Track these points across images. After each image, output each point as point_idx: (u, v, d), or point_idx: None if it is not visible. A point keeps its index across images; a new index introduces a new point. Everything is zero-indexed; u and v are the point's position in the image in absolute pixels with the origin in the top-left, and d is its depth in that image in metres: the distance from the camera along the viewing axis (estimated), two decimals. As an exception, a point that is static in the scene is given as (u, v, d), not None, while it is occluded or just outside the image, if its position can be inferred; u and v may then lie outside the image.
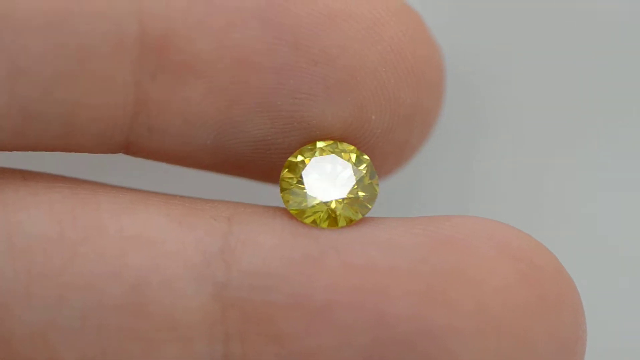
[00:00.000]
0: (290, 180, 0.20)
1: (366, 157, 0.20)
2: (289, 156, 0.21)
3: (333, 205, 0.20)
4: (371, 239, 0.20)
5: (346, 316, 0.19)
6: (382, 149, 0.21)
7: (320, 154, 0.20)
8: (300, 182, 0.20)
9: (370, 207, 0.20)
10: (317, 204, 0.20)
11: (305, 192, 0.20)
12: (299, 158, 0.20)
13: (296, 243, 0.20)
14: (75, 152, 0.20)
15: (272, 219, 0.20)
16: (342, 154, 0.20)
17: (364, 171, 0.20)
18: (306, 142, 0.21)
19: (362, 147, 0.21)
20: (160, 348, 0.19)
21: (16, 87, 0.19)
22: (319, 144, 0.20)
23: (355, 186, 0.20)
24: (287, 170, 0.20)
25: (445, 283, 0.19)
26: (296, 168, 0.20)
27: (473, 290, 0.19)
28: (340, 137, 0.20)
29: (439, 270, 0.19)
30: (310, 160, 0.20)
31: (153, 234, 0.20)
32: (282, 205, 0.21)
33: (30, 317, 0.19)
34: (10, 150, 0.20)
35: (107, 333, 0.19)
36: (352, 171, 0.20)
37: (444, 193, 0.26)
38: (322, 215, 0.20)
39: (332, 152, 0.20)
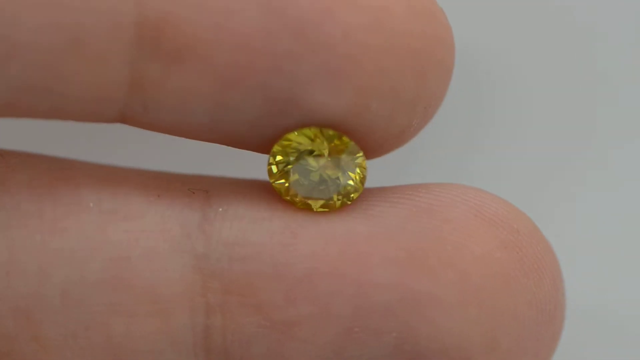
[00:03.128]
0: (277, 163, 0.20)
1: (359, 159, 0.20)
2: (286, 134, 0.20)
3: (312, 207, 0.20)
4: (350, 207, 0.20)
5: (327, 285, 0.19)
6: (382, 132, 0.20)
7: (310, 140, 0.20)
8: (287, 169, 0.20)
9: (349, 203, 0.20)
10: (298, 198, 0.20)
11: (290, 180, 0.20)
12: (290, 140, 0.20)
13: (275, 214, 0.20)
14: (69, 120, 0.20)
15: (251, 191, 0.20)
16: (335, 153, 0.20)
17: (350, 177, 0.20)
18: (303, 125, 0.20)
19: (361, 133, 0.20)
20: (141, 321, 0.19)
21: (8, 62, 0.19)
22: (307, 131, 0.20)
23: (336, 197, 0.20)
24: (277, 148, 0.20)
25: (425, 250, 0.19)
26: (287, 148, 0.20)
27: (453, 257, 0.19)
28: (339, 122, 0.20)
29: (419, 238, 0.19)
30: (300, 143, 0.20)
31: (132, 208, 0.20)
32: (262, 178, 0.21)
33: (11, 293, 0.19)
34: (2, 117, 0.20)
35: (89, 308, 0.19)
36: (339, 179, 0.20)
37: (439, 177, 0.26)
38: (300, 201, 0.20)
39: (321, 139, 0.20)
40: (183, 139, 0.21)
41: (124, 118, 0.20)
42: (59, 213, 0.19)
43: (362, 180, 0.20)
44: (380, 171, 0.23)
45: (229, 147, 0.21)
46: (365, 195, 0.20)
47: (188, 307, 0.19)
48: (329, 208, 0.20)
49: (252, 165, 0.22)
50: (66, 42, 0.19)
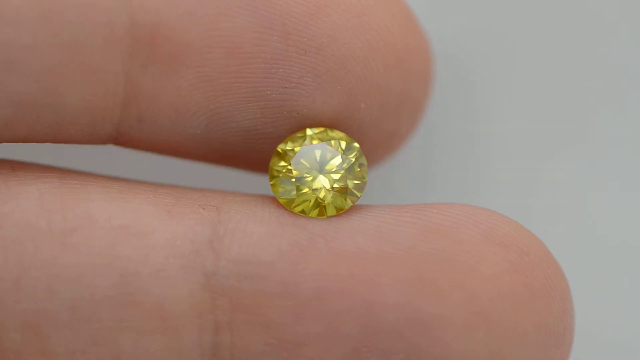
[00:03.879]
0: (279, 169, 0.20)
1: (356, 144, 0.20)
2: (279, 144, 0.21)
3: (322, 195, 0.20)
4: (359, 226, 0.20)
5: (335, 305, 0.19)
6: (371, 137, 0.21)
7: (310, 142, 0.20)
8: (289, 170, 0.20)
9: (359, 195, 0.20)
10: (306, 192, 0.20)
11: (294, 181, 0.20)
12: (289, 146, 0.20)
13: (284, 232, 0.20)
14: (65, 143, 0.20)
15: (260, 207, 0.20)
16: (332, 141, 0.20)
17: (353, 159, 0.20)
18: (296, 131, 0.21)
19: (351, 136, 0.21)
20: (150, 338, 0.19)
21: (7, 78, 0.19)
22: (309, 131, 0.20)
23: (344, 174, 0.20)
24: (276, 158, 0.20)
25: (435, 271, 0.19)
26: (285, 156, 0.20)
27: (462, 278, 0.19)
28: (330, 126, 0.21)
29: (428, 258, 0.19)
30: (299, 148, 0.20)
31: (142, 224, 0.20)
32: (271, 194, 0.21)
33: (21, 308, 0.19)
34: (1, 142, 0.20)
35: (98, 324, 0.19)
36: (341, 159, 0.20)
37: (435, 183, 0.26)
38: (310, 204, 0.20)
39: (322, 140, 0.20)
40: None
41: (120, 134, 0.20)
42: (69, 228, 0.19)
43: (364, 172, 0.20)
44: (382, 183, 0.23)
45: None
46: (376, 213, 0.20)
47: (196, 325, 0.19)
48: (338, 209, 0.20)
49: (261, 179, 0.22)
50: (63, 55, 0.19)
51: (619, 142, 0.26)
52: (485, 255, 0.19)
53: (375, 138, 0.21)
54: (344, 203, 0.20)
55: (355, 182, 0.20)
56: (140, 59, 0.19)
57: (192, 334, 0.19)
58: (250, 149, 0.21)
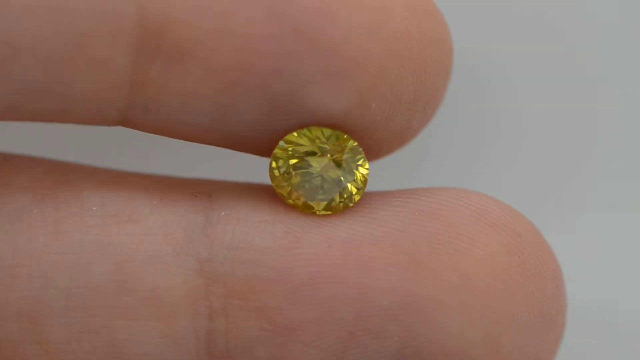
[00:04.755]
0: (279, 167, 0.20)
1: (360, 156, 0.20)
2: (287, 135, 0.20)
3: (315, 209, 0.20)
4: (352, 211, 0.20)
5: (329, 289, 0.19)
6: (382, 134, 0.20)
7: (316, 145, 0.20)
8: (289, 171, 0.20)
9: (352, 205, 0.20)
10: (300, 201, 0.20)
11: (292, 183, 0.20)
12: (294, 139, 0.20)
13: (278, 218, 0.20)
14: (72, 123, 0.20)
15: (254, 195, 0.20)
16: (336, 153, 0.20)
17: (355, 167, 0.20)
18: (304, 126, 0.20)
19: (361, 133, 0.20)
20: (145, 325, 0.19)
21: (13, 65, 0.19)
22: (315, 132, 0.20)
23: (339, 198, 0.20)
24: (278, 151, 0.20)
25: (428, 254, 0.19)
26: (288, 151, 0.20)
27: (455, 260, 0.19)
28: (340, 123, 0.20)
29: (421, 242, 0.19)
30: (304, 142, 0.20)
31: (135, 212, 0.20)
32: (265, 182, 0.21)
33: (15, 296, 0.19)
34: (3, 120, 0.20)
35: (92, 311, 0.19)
36: (340, 181, 0.20)
37: (440, 177, 0.26)
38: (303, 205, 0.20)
39: (327, 144, 0.20)
40: (186, 142, 0.21)
41: (125, 120, 0.20)
42: (61, 216, 0.19)
43: (364, 181, 0.20)
44: (382, 174, 0.23)
45: (232, 151, 0.21)
46: (367, 199, 0.20)
47: (191, 311, 0.19)
48: (332, 211, 0.20)
49: (255, 168, 0.22)
50: (69, 46, 0.19)
51: (619, 142, 0.26)
52: (478, 237, 0.19)
53: (385, 135, 0.21)
54: (336, 211, 0.20)
55: (354, 189, 0.20)
56: (148, 51, 0.19)
57: (186, 321, 0.19)
58: (258, 139, 0.20)
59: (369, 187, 0.21)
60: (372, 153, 0.21)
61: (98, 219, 0.19)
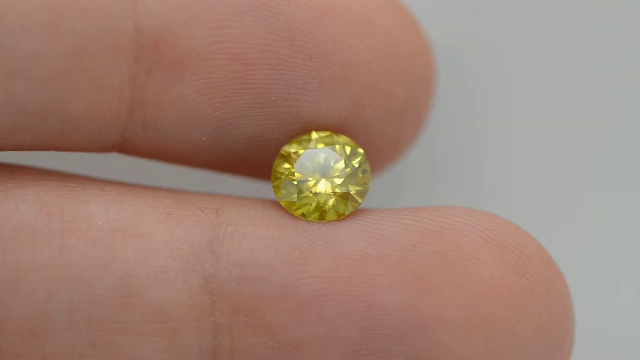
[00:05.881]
0: (282, 171, 0.20)
1: (360, 150, 0.20)
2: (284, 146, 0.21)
3: (323, 199, 0.20)
4: (359, 229, 0.20)
5: (335, 307, 0.19)
6: (376, 143, 0.21)
7: (315, 145, 0.20)
8: (292, 173, 0.20)
9: (360, 201, 0.20)
10: (307, 195, 0.20)
11: (296, 184, 0.20)
12: (293, 148, 0.20)
13: (284, 234, 0.20)
14: (70, 150, 0.20)
15: (260, 210, 0.20)
16: (337, 146, 0.20)
17: (357, 165, 0.20)
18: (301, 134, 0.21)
19: (356, 142, 0.21)
20: (149, 340, 0.19)
21: (12, 86, 0.19)
22: (314, 134, 0.20)
23: (347, 180, 0.20)
24: (280, 160, 0.20)
25: (434, 273, 0.19)
26: (289, 159, 0.20)
27: (462, 280, 0.19)
28: (335, 131, 0.21)
29: (428, 261, 0.19)
30: (303, 150, 0.20)
31: (141, 226, 0.19)
32: (271, 197, 0.21)
33: (19, 310, 0.19)
34: (5, 150, 0.20)
35: (96, 326, 0.19)
36: (344, 164, 0.20)
37: (437, 188, 0.26)
38: (311, 208, 0.20)
39: (327, 144, 0.20)
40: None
41: (124, 141, 0.20)
42: (67, 230, 0.19)
43: (367, 179, 0.20)
44: (388, 190, 0.23)
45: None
46: (375, 216, 0.20)
47: (196, 327, 0.19)
48: (339, 214, 0.20)
49: (262, 185, 0.22)
50: (68, 63, 0.19)
51: (619, 141, 0.26)
52: (485, 258, 0.19)
53: (380, 143, 0.21)
54: (345, 208, 0.20)
55: (357, 188, 0.20)
56: (145, 65, 0.19)
57: (191, 337, 0.19)
58: (256, 155, 0.21)
59: (376, 204, 0.21)
60: (369, 164, 0.21)
61: (103, 233, 0.19)
